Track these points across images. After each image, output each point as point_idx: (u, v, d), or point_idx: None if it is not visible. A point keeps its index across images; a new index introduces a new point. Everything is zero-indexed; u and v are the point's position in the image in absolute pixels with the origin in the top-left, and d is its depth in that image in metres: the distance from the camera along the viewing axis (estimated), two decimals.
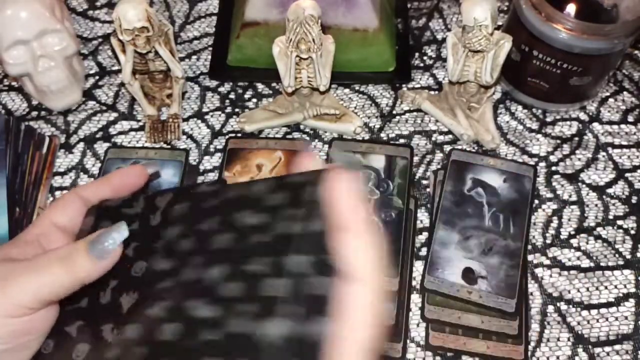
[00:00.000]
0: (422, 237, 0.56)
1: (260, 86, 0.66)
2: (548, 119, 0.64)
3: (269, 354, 0.26)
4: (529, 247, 0.56)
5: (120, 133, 0.63)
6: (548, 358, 0.51)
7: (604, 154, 0.61)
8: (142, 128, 0.63)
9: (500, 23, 0.67)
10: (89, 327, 0.34)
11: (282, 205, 0.31)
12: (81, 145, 0.62)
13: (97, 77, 0.66)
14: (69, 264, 0.33)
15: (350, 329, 0.26)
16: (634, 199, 0.59)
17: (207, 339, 0.29)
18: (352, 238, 0.28)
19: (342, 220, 0.28)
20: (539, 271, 0.55)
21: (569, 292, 0.54)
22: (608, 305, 0.53)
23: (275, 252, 0.29)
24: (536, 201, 0.58)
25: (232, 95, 0.65)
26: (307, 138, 0.62)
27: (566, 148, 0.62)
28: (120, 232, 0.34)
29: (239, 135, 0.62)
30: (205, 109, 0.64)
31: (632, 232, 0.57)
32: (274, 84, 0.66)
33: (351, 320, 0.27)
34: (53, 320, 0.35)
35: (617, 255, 0.56)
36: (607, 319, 0.53)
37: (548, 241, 0.56)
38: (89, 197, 0.40)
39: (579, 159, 0.61)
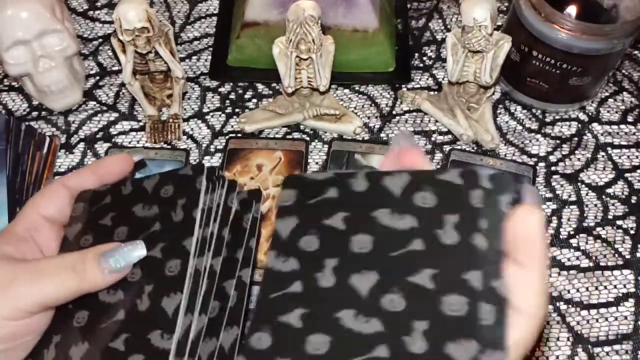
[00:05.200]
0: None
1: (260, 86, 0.66)
2: (547, 119, 0.64)
3: None
4: None
5: (121, 133, 0.63)
6: (548, 358, 0.51)
7: (604, 154, 0.61)
8: (142, 128, 0.63)
9: (499, 23, 0.67)
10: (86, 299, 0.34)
11: (433, 208, 0.28)
12: (82, 145, 0.62)
13: (97, 78, 0.66)
14: (80, 274, 0.33)
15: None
16: (633, 199, 0.59)
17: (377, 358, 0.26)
18: (527, 273, 0.28)
19: (522, 253, 0.28)
20: None
21: (569, 292, 0.54)
22: (607, 305, 0.53)
23: (450, 265, 0.27)
24: None
25: (232, 96, 0.65)
26: (307, 138, 0.62)
27: (565, 148, 0.62)
28: (139, 252, 0.34)
29: (239, 135, 0.62)
30: (205, 109, 0.64)
31: (632, 232, 0.57)
32: (274, 84, 0.66)
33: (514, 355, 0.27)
34: (49, 321, 0.35)
35: (616, 255, 0.56)
36: (606, 319, 0.53)
37: (547, 241, 0.56)
38: (74, 186, 0.39)
39: (579, 159, 0.61)
